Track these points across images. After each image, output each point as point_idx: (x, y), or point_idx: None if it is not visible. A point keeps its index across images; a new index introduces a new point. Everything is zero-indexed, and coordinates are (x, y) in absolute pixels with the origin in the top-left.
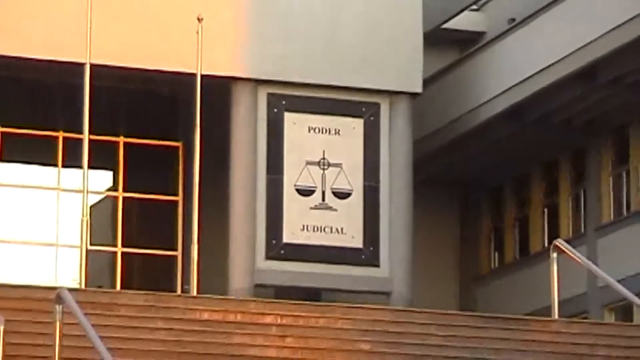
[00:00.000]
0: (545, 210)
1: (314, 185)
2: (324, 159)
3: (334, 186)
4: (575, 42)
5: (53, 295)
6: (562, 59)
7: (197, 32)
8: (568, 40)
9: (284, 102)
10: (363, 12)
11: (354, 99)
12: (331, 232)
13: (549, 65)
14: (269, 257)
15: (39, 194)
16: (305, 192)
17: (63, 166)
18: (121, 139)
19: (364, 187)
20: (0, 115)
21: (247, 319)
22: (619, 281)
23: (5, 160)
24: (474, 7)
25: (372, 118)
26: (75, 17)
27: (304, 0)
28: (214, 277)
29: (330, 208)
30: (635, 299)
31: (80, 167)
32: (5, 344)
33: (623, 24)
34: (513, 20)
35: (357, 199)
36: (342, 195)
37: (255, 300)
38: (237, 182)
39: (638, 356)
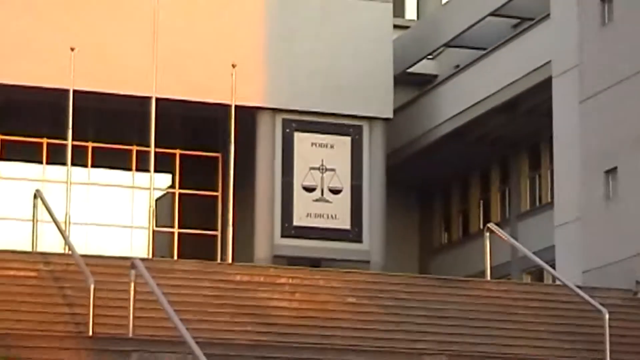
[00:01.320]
0: (481, 202)
1: (315, 184)
2: (322, 165)
3: (330, 185)
4: (502, 82)
5: (129, 263)
6: (492, 94)
7: (232, 75)
8: (497, 80)
9: (294, 125)
10: (350, 62)
11: (344, 122)
12: (328, 218)
13: (483, 99)
14: (283, 235)
15: (118, 190)
16: (309, 189)
17: (136, 170)
18: (177, 151)
19: (351, 185)
20: (91, 134)
21: (267, 280)
22: (533, 253)
23: (95, 166)
24: (429, 56)
25: (357, 136)
26: (144, 64)
27: (309, 52)
28: (244, 250)
29: (327, 200)
30: (545, 265)
31: (148, 171)
32: (95, 298)
33: (536, 69)
34: (458, 66)
35: (346, 194)
36: (335, 191)
37: (273, 267)
38: (260, 182)
39: (548, 306)
